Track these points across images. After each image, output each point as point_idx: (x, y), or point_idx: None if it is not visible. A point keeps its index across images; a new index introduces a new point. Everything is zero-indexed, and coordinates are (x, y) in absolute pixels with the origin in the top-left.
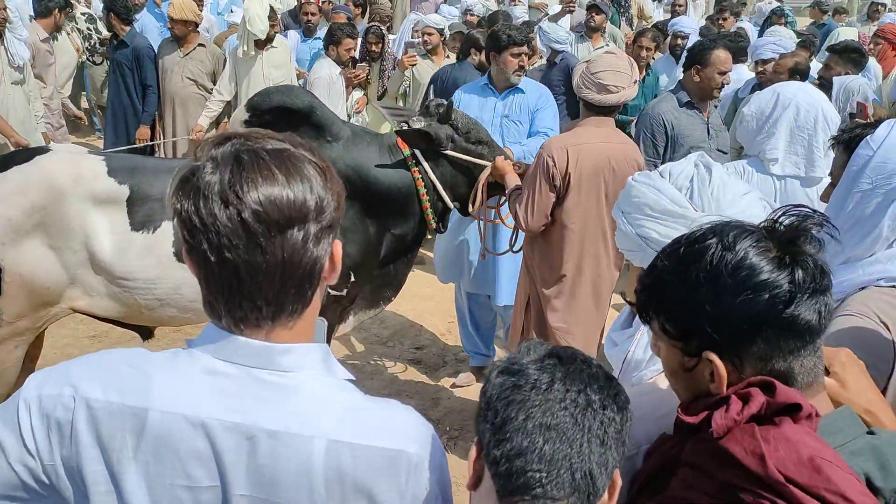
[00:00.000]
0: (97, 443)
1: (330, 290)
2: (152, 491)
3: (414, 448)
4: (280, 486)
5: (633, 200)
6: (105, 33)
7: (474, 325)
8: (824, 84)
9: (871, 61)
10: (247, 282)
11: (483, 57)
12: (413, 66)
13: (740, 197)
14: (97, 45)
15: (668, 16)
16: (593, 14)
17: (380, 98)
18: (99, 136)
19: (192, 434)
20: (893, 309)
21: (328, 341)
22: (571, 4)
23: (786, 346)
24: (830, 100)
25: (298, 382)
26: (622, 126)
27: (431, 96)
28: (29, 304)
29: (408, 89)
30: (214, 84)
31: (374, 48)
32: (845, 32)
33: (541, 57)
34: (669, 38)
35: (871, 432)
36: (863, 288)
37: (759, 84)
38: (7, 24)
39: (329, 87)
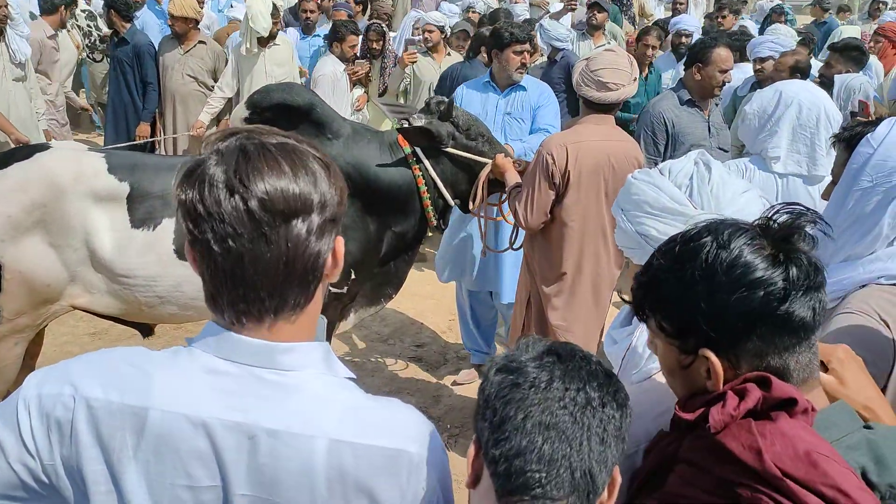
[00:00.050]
0: (97, 442)
1: (331, 288)
2: (152, 490)
3: (415, 447)
4: (281, 486)
5: (632, 198)
6: (105, 30)
7: (475, 323)
8: (825, 82)
9: (872, 59)
10: (250, 272)
11: None
12: (414, 63)
13: (740, 195)
14: (97, 42)
15: (669, 14)
16: (595, 12)
17: (380, 95)
18: (99, 134)
19: (192, 433)
20: (894, 307)
21: (329, 339)
22: (573, 2)
23: (781, 342)
24: (831, 98)
25: (299, 381)
26: (624, 124)
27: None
28: (29, 302)
29: (408, 86)
30: (215, 81)
31: (374, 45)
32: (848, 30)
33: (542, 55)
34: (671, 36)
35: (867, 427)
36: (863, 286)
37: (758, 82)
38: (8, 20)
39: (333, 85)
